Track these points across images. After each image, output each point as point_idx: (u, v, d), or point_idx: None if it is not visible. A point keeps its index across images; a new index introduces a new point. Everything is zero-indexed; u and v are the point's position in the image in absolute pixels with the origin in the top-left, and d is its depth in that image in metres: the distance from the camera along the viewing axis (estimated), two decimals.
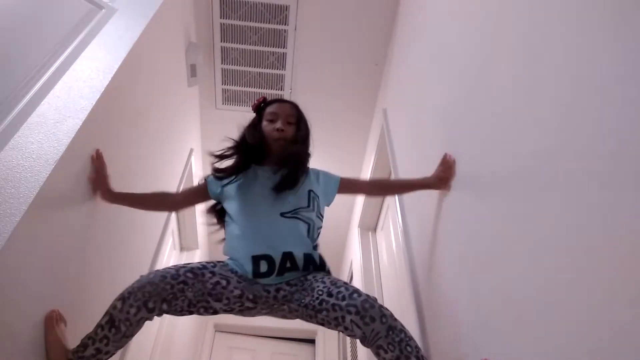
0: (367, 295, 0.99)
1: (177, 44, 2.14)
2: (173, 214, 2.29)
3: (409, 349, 0.93)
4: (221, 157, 1.32)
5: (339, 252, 3.93)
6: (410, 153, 1.88)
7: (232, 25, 2.54)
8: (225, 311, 1.10)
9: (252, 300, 1.10)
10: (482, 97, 1.15)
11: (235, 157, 1.31)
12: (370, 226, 2.91)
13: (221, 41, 2.60)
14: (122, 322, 0.99)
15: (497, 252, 0.94)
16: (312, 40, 2.62)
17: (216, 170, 1.30)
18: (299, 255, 1.13)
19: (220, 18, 2.51)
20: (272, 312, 1.16)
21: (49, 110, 1.16)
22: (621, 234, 0.58)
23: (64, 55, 1.35)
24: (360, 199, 3.15)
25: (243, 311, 1.12)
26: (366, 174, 2.94)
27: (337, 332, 4.37)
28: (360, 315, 0.94)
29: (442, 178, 1.30)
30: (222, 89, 2.84)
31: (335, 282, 1.06)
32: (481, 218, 1.05)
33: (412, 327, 1.69)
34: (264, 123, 1.33)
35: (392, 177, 2.14)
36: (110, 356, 1.04)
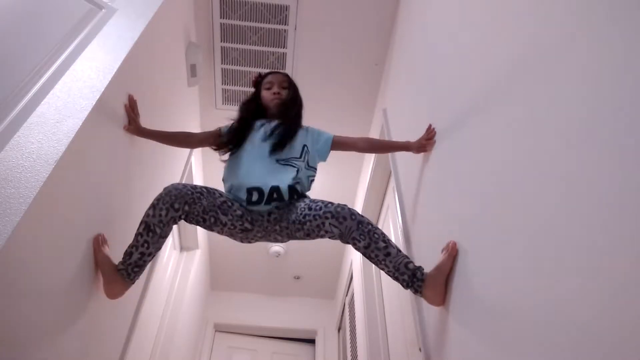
0: (338, 204, 1.24)
1: (177, 44, 2.14)
2: None
3: (376, 235, 1.19)
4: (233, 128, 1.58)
5: (339, 252, 3.93)
6: (409, 153, 1.87)
7: (232, 25, 2.54)
8: (229, 230, 1.33)
9: (250, 222, 1.35)
10: (482, 96, 1.15)
11: (238, 123, 1.58)
12: None
13: (221, 41, 2.61)
14: (156, 226, 1.22)
15: (498, 253, 0.94)
16: (312, 40, 2.62)
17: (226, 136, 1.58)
18: (284, 188, 1.38)
19: (220, 18, 2.51)
20: (266, 235, 1.39)
21: (49, 110, 1.16)
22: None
23: (64, 55, 1.35)
24: (359, 200, 3.15)
25: (242, 232, 1.35)
26: (366, 174, 2.94)
27: (337, 332, 4.35)
28: (335, 217, 1.20)
29: (422, 146, 1.54)
30: (222, 89, 2.84)
31: (314, 200, 1.31)
32: (481, 218, 1.05)
33: (412, 327, 1.69)
34: (263, 92, 1.62)
35: (392, 177, 2.14)
36: (152, 257, 1.27)
